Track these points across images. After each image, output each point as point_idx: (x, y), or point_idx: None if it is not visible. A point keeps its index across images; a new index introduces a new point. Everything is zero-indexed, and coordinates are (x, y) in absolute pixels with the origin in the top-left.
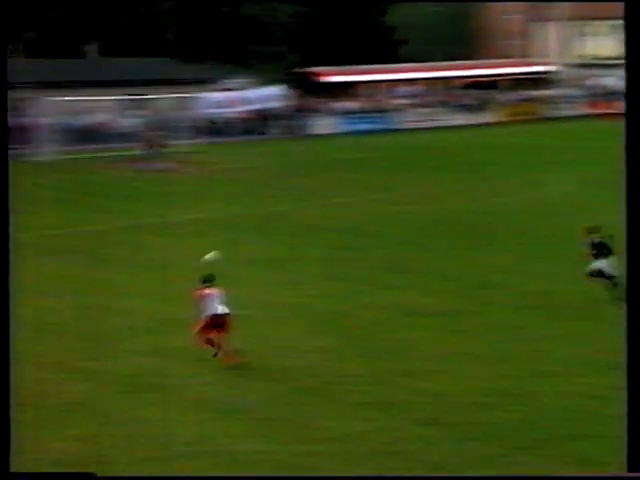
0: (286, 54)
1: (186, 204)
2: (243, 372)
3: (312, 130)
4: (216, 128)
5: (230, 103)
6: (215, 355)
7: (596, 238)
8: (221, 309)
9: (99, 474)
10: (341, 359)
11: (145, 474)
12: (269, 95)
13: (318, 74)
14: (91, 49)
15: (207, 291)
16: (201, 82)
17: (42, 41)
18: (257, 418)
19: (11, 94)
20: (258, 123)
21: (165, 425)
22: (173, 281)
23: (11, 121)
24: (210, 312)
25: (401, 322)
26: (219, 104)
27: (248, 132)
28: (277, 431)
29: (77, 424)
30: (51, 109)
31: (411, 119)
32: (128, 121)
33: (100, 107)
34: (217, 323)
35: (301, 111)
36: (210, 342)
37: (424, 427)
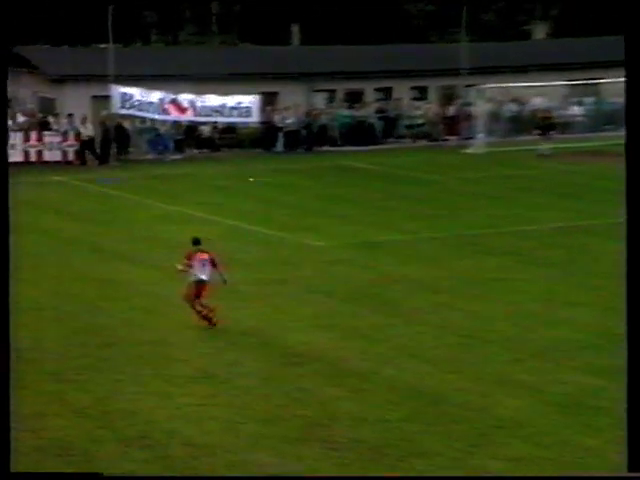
0: None
1: None
2: None
3: None
4: None
5: None
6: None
7: None
8: (201, 276)
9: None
10: None
11: None
12: None
13: None
14: (538, 30)
15: (199, 255)
16: None
17: (489, 24)
18: None
19: (452, 81)
20: None
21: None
22: (615, 292)
23: (451, 110)
24: (195, 277)
25: None
26: None
27: None
28: None
29: (508, 443)
30: (491, 96)
31: None
32: (573, 109)
33: (543, 94)
34: (199, 289)
35: None
36: (202, 312)
37: None
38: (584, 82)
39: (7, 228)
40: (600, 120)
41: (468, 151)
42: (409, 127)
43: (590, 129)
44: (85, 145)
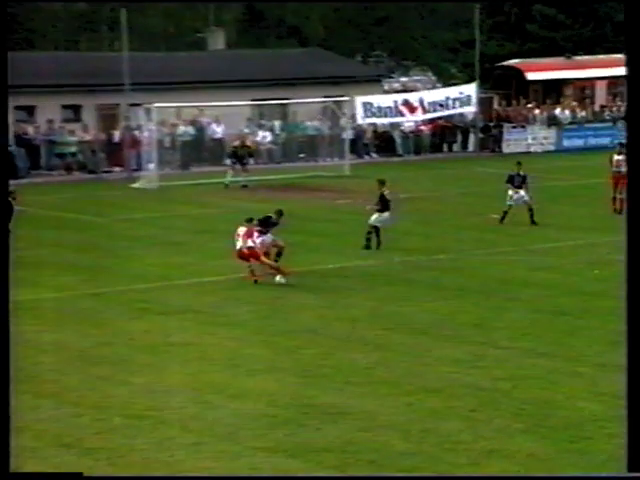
0: (479, 41)
1: (329, 249)
2: None
3: (518, 146)
4: (382, 143)
5: (400, 109)
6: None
7: None
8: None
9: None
10: None
11: None
12: (455, 99)
13: (525, 68)
14: (214, 38)
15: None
16: (361, 81)
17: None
18: None
19: (114, 98)
20: (440, 136)
21: None
22: (314, 354)
23: (115, 135)
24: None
25: None
26: (385, 111)
27: (432, 148)
28: None
29: None
30: (159, 118)
31: None
32: (259, 134)
33: (221, 115)
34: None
35: (502, 120)
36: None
37: None
38: (271, 102)
39: (7, 228)
40: (292, 147)
41: (136, 185)
42: (60, 156)
43: (281, 158)
44: None
